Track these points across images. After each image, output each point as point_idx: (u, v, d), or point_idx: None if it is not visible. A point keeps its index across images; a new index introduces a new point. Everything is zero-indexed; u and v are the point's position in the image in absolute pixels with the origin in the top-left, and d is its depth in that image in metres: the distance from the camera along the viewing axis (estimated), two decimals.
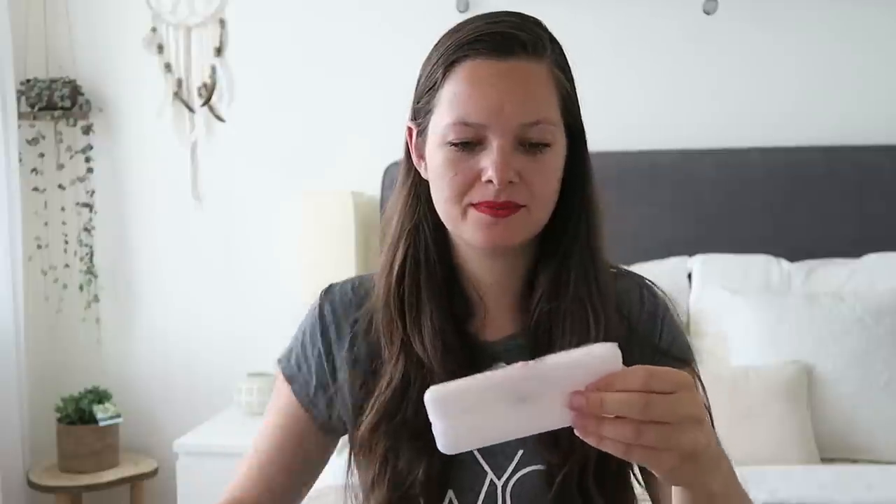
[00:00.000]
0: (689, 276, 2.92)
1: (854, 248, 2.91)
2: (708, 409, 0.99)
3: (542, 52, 1.03)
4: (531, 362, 0.78)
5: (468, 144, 1.02)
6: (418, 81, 1.09)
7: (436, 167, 1.05)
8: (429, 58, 1.07)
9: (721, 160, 3.03)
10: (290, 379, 1.17)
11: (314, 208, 3.09)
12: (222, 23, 3.31)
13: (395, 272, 1.11)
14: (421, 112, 1.08)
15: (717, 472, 0.84)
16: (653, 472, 0.81)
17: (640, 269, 2.80)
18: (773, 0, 3.06)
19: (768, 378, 2.55)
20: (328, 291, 1.18)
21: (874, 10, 3.03)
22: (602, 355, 0.78)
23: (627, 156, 3.06)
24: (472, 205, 1.03)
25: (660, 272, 2.86)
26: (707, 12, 3.06)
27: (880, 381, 2.56)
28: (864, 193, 2.97)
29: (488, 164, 1.00)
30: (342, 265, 3.02)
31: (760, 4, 3.06)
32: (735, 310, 2.75)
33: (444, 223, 1.08)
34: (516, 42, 1.01)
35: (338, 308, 1.16)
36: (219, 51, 3.31)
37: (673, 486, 0.87)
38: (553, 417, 0.78)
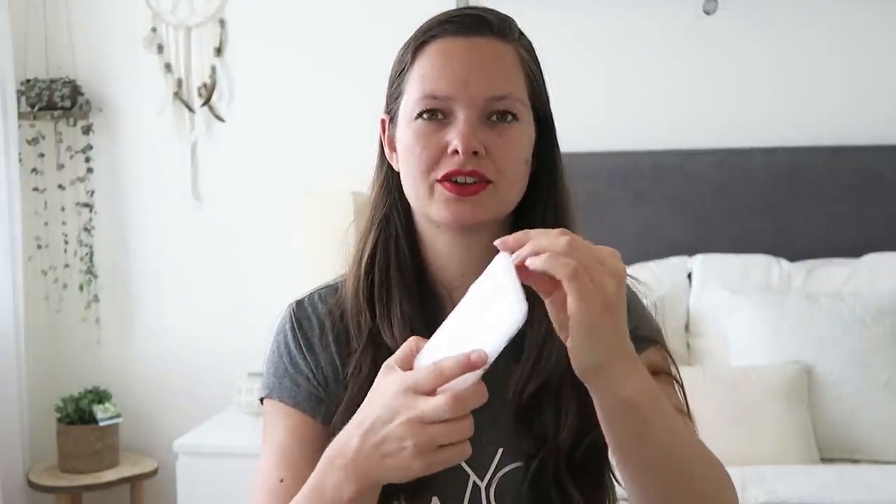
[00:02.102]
0: (689, 276, 2.92)
1: (854, 248, 2.91)
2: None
3: (509, 33, 1.06)
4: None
5: (435, 117, 1.03)
6: (391, 72, 1.12)
7: (405, 145, 1.06)
8: (400, 48, 1.10)
9: (721, 160, 3.03)
10: (284, 396, 1.11)
11: (314, 208, 3.09)
12: (222, 23, 3.31)
13: (364, 261, 1.12)
14: (392, 98, 1.10)
15: (632, 376, 0.87)
16: (577, 321, 0.83)
17: (640, 268, 2.83)
18: (773, 0, 3.06)
19: (768, 378, 2.55)
20: (299, 305, 1.18)
21: (874, 11, 3.03)
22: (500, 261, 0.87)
23: (628, 156, 3.06)
24: (439, 181, 1.03)
25: (660, 272, 2.87)
26: (707, 12, 3.06)
27: (880, 381, 2.56)
28: (864, 193, 2.97)
29: (454, 135, 1.02)
30: (342, 265, 3.02)
31: (760, 5, 3.06)
32: (735, 310, 2.75)
33: (413, 206, 1.08)
34: (484, 23, 1.05)
35: (311, 317, 1.15)
36: (219, 51, 3.31)
37: (601, 415, 0.90)
38: (505, 313, 0.83)
